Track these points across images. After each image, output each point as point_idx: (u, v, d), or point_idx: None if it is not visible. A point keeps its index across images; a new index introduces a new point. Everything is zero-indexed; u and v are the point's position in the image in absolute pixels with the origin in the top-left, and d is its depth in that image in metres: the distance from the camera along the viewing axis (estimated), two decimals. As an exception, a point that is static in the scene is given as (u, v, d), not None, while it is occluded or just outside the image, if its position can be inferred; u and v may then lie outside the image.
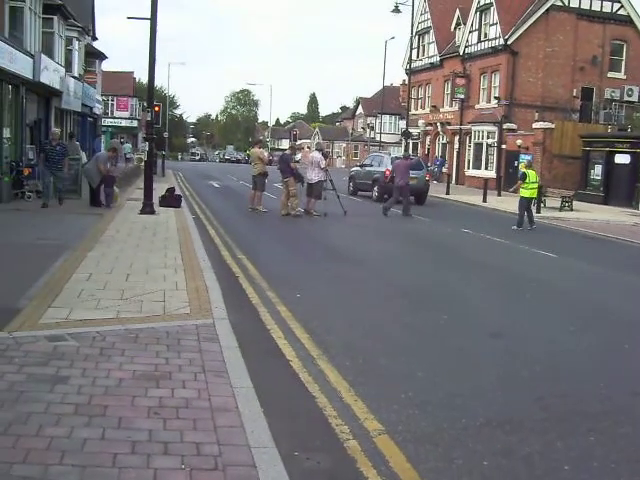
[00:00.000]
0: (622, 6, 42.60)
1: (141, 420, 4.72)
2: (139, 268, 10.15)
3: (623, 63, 42.95)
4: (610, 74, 42.15)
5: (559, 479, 4.59)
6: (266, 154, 23.01)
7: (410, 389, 6.03)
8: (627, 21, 42.64)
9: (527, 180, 20.66)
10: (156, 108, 24.15)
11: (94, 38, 43.29)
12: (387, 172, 25.43)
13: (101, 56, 41.23)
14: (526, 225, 20.69)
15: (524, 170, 21.50)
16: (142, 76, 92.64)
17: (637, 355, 7.87)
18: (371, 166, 29.58)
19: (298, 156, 22.32)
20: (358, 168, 32.19)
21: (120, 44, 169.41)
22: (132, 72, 78.91)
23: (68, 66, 28.83)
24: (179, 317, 7.59)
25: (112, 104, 69.29)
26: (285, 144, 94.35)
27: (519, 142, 37.54)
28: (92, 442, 4.33)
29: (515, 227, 20.54)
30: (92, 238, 12.99)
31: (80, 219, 16.25)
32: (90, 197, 19.42)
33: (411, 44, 50.13)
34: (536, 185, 21.38)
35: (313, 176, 20.97)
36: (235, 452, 4.34)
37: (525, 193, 20.63)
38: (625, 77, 42.05)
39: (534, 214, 22.06)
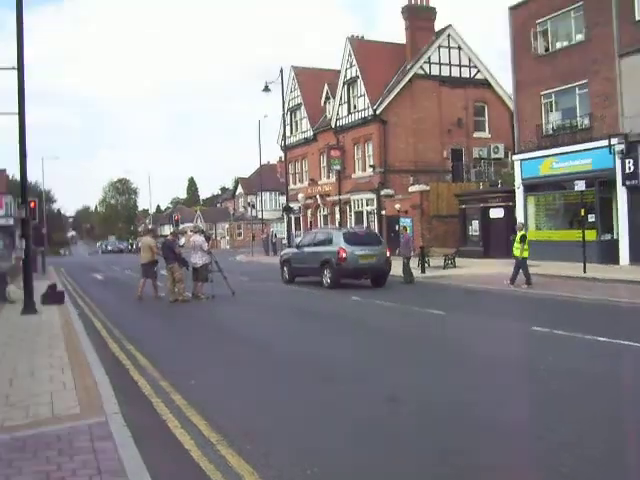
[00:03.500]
0: (479, 71, 45.38)
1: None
2: (23, 371, 9.68)
3: (486, 123, 45.45)
4: (476, 134, 44.52)
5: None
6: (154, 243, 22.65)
7: (315, 464, 5.93)
8: (485, 84, 45.49)
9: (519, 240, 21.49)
10: (32, 204, 23.45)
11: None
12: (341, 252, 22.63)
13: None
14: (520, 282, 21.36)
15: (522, 232, 21.91)
16: (15, 173, 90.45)
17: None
18: (316, 246, 24.65)
19: (182, 240, 22.09)
20: (294, 249, 26.90)
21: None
22: (4, 170, 76.88)
23: None
24: (69, 418, 7.23)
25: (-15, 203, 67.18)
26: (167, 230, 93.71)
27: (398, 206, 38.62)
28: None
29: (509, 282, 21.39)
30: (-30, 344, 12.34)
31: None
32: None
33: (284, 121, 51.24)
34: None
35: (197, 259, 20.83)
36: None
37: (520, 253, 21.31)
38: (490, 136, 44.42)
39: (417, 274, 23.17)
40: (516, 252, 21.49)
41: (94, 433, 6.62)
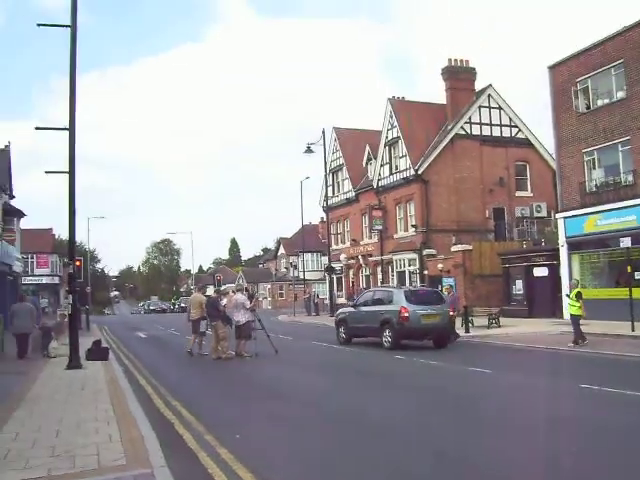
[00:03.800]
0: (520, 130, 45.46)
1: None
2: (69, 423, 9.73)
3: (528, 182, 45.35)
4: (518, 193, 44.39)
5: None
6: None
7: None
8: (526, 143, 45.52)
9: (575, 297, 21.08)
10: (77, 262, 23.92)
11: (11, 196, 43.22)
12: (403, 311, 21.53)
13: (19, 214, 41.05)
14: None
15: (578, 289, 21.50)
16: (61, 232, 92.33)
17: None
18: (374, 304, 23.56)
19: (224, 301, 22.12)
20: (350, 309, 25.36)
21: (38, 201, 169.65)
22: (51, 229, 78.77)
23: (-15, 225, 28.59)
24: (115, 469, 7.22)
25: (32, 262, 68.58)
26: (209, 291, 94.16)
27: (440, 266, 38.44)
28: None
29: (572, 344, 20.65)
30: (17, 397, 12.45)
31: (2, 378, 15.64)
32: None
33: (326, 182, 51.77)
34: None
35: (240, 317, 20.82)
36: None
37: (576, 310, 20.88)
38: (532, 194, 44.28)
39: (462, 333, 22.81)
40: (572, 310, 20.96)
41: (140, 484, 6.61)
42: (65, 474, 7.03)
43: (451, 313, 22.74)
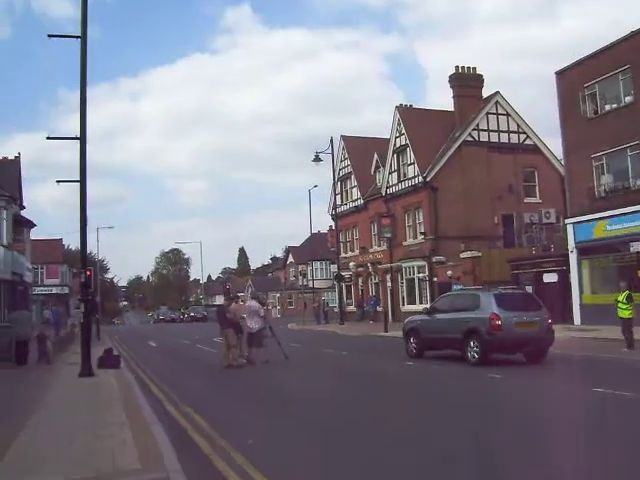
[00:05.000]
0: (528, 136, 45.45)
1: None
2: (84, 428, 9.79)
3: (537, 188, 45.23)
4: (526, 199, 44.28)
5: None
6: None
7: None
8: (534, 150, 45.40)
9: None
10: (88, 272, 24.03)
11: (22, 207, 43.51)
12: (495, 318, 17.91)
13: (29, 224, 41.31)
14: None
15: (628, 291, 21.14)
16: (71, 243, 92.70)
17: None
18: (455, 311, 19.92)
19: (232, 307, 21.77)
20: (423, 316, 21.80)
21: (47, 212, 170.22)
22: (61, 239, 79.03)
23: (-4, 235, 28.78)
24: (131, 473, 7.29)
25: (42, 272, 68.89)
26: (218, 300, 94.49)
27: (449, 273, 38.44)
28: None
29: (627, 349, 20.14)
30: (32, 403, 12.53)
31: (17, 386, 15.77)
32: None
33: (334, 190, 51.88)
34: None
35: (253, 325, 20.80)
36: None
37: (628, 314, 20.51)
38: (541, 200, 44.13)
39: None
40: (624, 313, 20.38)
41: (156, 487, 6.66)
42: (82, 478, 7.09)
43: (549, 321, 18.95)
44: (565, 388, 13.94)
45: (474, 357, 18.17)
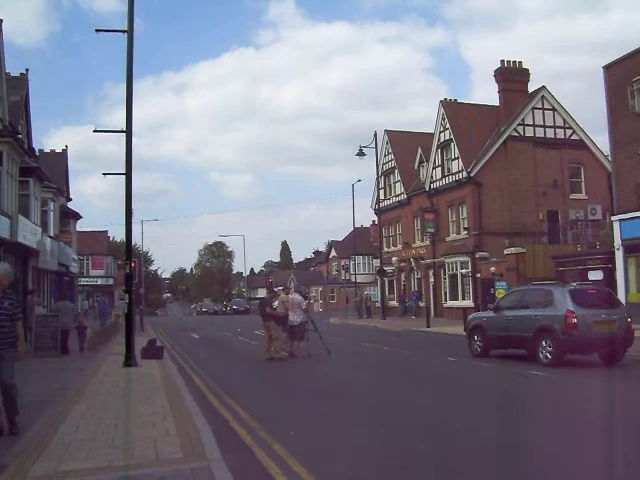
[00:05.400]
0: (574, 132, 44.77)
1: None
2: (127, 417, 9.93)
3: (583, 184, 44.54)
4: (572, 195, 43.64)
5: None
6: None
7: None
8: (581, 145, 44.72)
9: None
10: (132, 264, 24.33)
11: (68, 199, 44.21)
12: (570, 316, 16.76)
13: (76, 216, 41.95)
14: None
15: None
16: (116, 234, 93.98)
17: None
18: (525, 308, 18.76)
19: (275, 303, 21.86)
20: (489, 313, 20.73)
21: (93, 204, 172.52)
22: (106, 231, 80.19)
23: (44, 226, 29.30)
24: (173, 462, 7.36)
25: (87, 263, 69.90)
26: (261, 293, 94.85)
27: (493, 269, 38.07)
28: None
29: None
30: (76, 392, 12.77)
31: (62, 374, 16.03)
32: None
33: (378, 185, 51.71)
34: None
35: (295, 318, 20.84)
36: None
37: None
38: (587, 197, 43.43)
39: None
40: None
41: (197, 477, 6.73)
42: (125, 465, 7.20)
43: (629, 320, 17.63)
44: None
45: (546, 357, 17.08)
